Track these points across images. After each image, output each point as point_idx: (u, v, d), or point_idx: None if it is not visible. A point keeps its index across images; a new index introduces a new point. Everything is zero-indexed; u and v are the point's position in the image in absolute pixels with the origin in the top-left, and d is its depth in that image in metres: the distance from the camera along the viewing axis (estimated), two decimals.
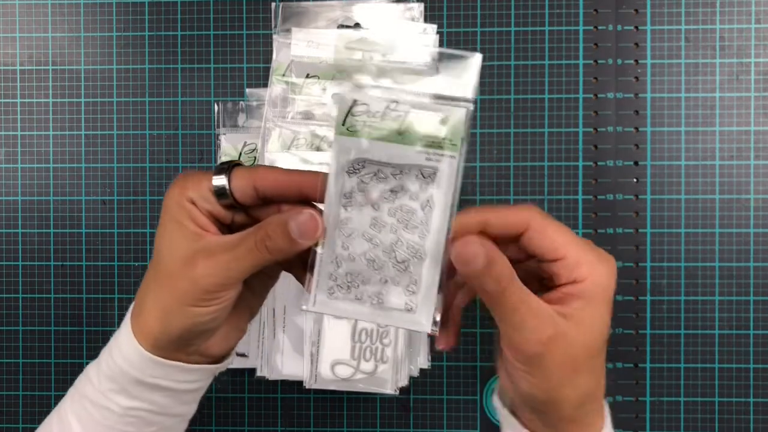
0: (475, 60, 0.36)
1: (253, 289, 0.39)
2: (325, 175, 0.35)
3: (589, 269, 0.34)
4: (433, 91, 0.34)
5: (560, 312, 0.34)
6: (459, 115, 0.33)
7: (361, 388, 0.52)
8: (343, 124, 0.34)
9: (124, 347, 0.37)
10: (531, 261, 0.36)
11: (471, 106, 0.33)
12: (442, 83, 0.35)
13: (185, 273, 0.35)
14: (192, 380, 0.39)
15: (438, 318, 0.34)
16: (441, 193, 0.34)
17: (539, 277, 0.36)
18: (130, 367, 0.37)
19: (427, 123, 0.33)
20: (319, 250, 0.35)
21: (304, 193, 0.35)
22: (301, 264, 0.37)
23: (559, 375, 0.34)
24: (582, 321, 0.34)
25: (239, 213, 0.37)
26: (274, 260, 0.35)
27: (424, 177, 0.34)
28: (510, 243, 0.35)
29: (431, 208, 0.34)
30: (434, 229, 0.34)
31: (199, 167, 0.58)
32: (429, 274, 0.34)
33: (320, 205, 0.35)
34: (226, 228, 0.37)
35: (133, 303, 0.38)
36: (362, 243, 0.35)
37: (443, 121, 0.33)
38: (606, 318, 0.35)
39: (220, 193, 0.36)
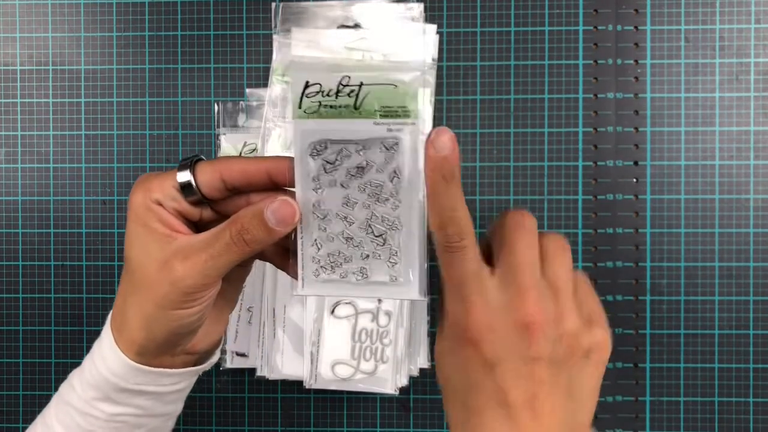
0: (428, 28, 0.40)
1: (230, 280, 0.38)
2: (292, 159, 0.34)
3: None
4: (382, 57, 0.35)
5: None
6: (411, 79, 0.32)
7: (362, 387, 0.52)
8: (299, 107, 0.33)
9: (108, 357, 0.37)
10: None
11: (421, 71, 0.33)
12: (396, 53, 0.36)
13: (163, 278, 0.34)
14: (177, 381, 0.39)
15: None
16: (406, 162, 0.34)
17: None
18: (114, 376, 0.37)
19: (381, 94, 0.33)
20: (298, 234, 0.35)
21: (273, 179, 0.35)
22: (278, 252, 0.37)
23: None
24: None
25: (206, 209, 0.36)
26: (253, 252, 0.34)
27: (387, 149, 0.33)
28: None
29: (399, 178, 0.34)
30: (406, 199, 0.34)
31: None
32: (409, 244, 0.34)
33: (291, 190, 0.35)
34: (194, 226, 0.36)
35: (112, 311, 0.38)
36: (338, 222, 0.35)
37: (397, 90, 0.33)
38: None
39: (186, 189, 0.35)
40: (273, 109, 0.55)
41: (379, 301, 0.51)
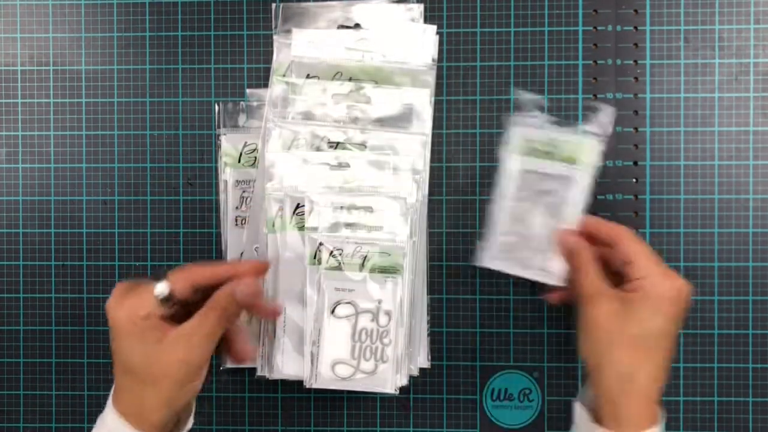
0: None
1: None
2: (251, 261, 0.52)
3: (650, 273, 0.45)
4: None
5: (620, 291, 0.46)
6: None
7: (362, 387, 0.52)
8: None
9: None
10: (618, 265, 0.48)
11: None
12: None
13: (174, 366, 0.42)
14: None
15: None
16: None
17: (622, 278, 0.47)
18: None
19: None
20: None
21: (239, 278, 0.45)
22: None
23: (601, 342, 0.45)
24: (632, 304, 0.45)
25: (173, 306, 0.45)
26: (234, 321, 0.46)
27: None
28: (608, 248, 0.48)
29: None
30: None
31: (199, 167, 0.59)
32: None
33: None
34: (171, 321, 0.45)
35: (113, 399, 0.44)
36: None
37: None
38: (663, 322, 0.45)
39: (165, 300, 0.43)
40: (273, 110, 0.55)
41: (380, 301, 0.51)
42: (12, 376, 0.60)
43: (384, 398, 0.58)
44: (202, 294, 0.46)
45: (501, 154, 0.53)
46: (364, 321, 0.51)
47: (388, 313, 0.51)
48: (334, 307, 0.52)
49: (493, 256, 0.53)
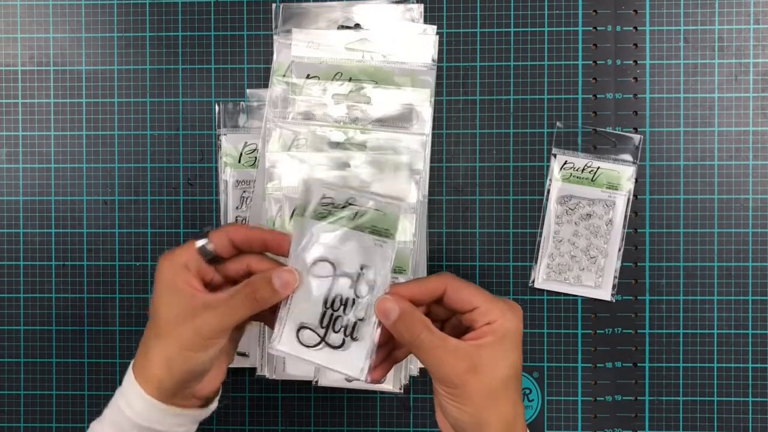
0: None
1: (230, 339, 0.46)
2: (290, 237, 0.45)
3: (498, 313, 0.42)
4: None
5: (476, 345, 0.42)
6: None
7: (323, 362, 0.45)
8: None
9: (128, 393, 0.43)
10: (455, 317, 0.45)
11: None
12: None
13: (188, 325, 0.42)
14: (182, 423, 0.45)
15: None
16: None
17: (464, 328, 0.44)
18: (131, 410, 0.43)
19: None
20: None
21: (267, 246, 0.45)
22: (268, 315, 0.45)
23: (479, 400, 0.41)
24: (494, 352, 0.42)
25: (215, 273, 0.45)
26: (260, 309, 0.43)
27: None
28: (435, 304, 0.45)
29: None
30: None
31: (199, 167, 0.59)
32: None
33: (282, 259, 0.45)
34: (208, 288, 0.45)
35: (134, 360, 0.44)
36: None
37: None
38: (516, 354, 0.42)
39: (204, 251, 0.44)
40: (273, 110, 0.55)
41: (363, 267, 0.45)
42: (12, 376, 0.60)
43: (384, 398, 0.58)
44: (235, 270, 0.45)
45: (546, 183, 0.56)
46: (342, 286, 0.45)
47: (370, 285, 0.45)
48: (313, 264, 0.45)
49: (543, 278, 0.57)
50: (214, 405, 0.48)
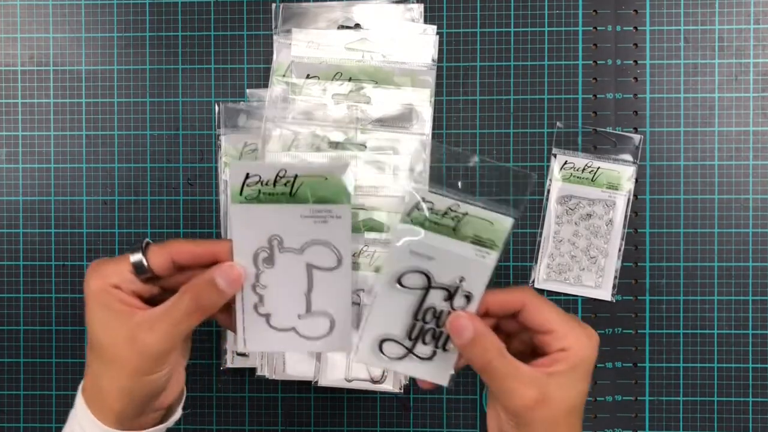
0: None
1: (183, 346, 0.43)
2: (231, 242, 0.41)
3: (574, 340, 0.40)
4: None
5: (547, 372, 0.39)
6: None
7: (410, 372, 0.44)
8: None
9: (85, 425, 0.40)
10: (525, 334, 0.42)
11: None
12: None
13: (132, 350, 0.38)
14: None
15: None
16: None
17: (532, 346, 0.42)
18: None
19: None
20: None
21: (218, 259, 0.41)
22: (224, 314, 0.42)
23: (541, 428, 0.39)
24: (565, 381, 0.39)
25: (155, 287, 0.41)
26: (208, 315, 0.40)
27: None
28: (509, 319, 0.42)
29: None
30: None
31: (199, 167, 0.59)
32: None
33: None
34: (146, 303, 0.41)
35: (83, 384, 0.41)
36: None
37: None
38: (585, 384, 0.40)
39: (139, 269, 0.40)
40: (273, 110, 0.55)
41: (461, 279, 0.42)
42: (12, 376, 0.60)
43: (384, 398, 0.58)
44: (177, 281, 0.41)
45: (546, 183, 0.55)
46: (436, 298, 0.42)
47: (468, 296, 0.42)
48: (402, 276, 0.42)
49: (544, 278, 0.57)
50: (177, 414, 0.44)
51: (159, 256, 0.40)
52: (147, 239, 0.41)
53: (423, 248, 0.41)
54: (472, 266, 0.41)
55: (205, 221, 0.59)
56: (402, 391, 0.54)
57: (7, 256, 0.60)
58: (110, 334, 0.39)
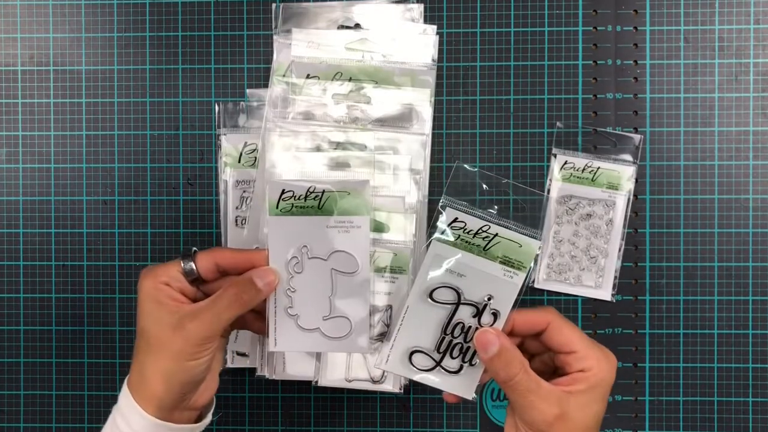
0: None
1: (219, 346, 0.47)
2: (267, 250, 0.46)
3: (593, 362, 0.42)
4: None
5: (567, 391, 0.42)
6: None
7: (437, 384, 0.46)
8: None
9: (128, 415, 0.44)
10: (546, 354, 0.46)
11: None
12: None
13: (177, 336, 0.43)
14: None
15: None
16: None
17: (553, 367, 0.45)
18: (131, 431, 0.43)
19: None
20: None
21: (255, 264, 0.46)
22: (255, 319, 0.48)
23: None
24: (583, 401, 0.42)
25: (198, 290, 0.46)
26: (247, 309, 0.44)
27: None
28: (532, 339, 0.45)
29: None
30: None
31: (199, 167, 0.59)
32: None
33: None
34: (192, 302, 0.46)
35: (128, 377, 0.45)
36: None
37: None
38: (602, 405, 0.43)
39: (189, 273, 0.45)
40: (273, 110, 0.55)
41: (489, 297, 0.45)
42: (12, 376, 0.60)
43: (384, 398, 0.58)
44: (218, 286, 0.46)
45: (547, 183, 0.56)
46: (464, 314, 0.45)
47: (495, 314, 0.45)
48: (434, 290, 0.45)
49: (544, 278, 0.56)
50: (208, 419, 0.48)
51: (205, 261, 0.45)
52: (194, 248, 0.47)
53: (457, 266, 0.45)
54: (501, 285, 0.44)
55: (205, 221, 0.59)
56: (402, 391, 0.54)
57: (7, 256, 0.60)
58: (159, 323, 0.43)
